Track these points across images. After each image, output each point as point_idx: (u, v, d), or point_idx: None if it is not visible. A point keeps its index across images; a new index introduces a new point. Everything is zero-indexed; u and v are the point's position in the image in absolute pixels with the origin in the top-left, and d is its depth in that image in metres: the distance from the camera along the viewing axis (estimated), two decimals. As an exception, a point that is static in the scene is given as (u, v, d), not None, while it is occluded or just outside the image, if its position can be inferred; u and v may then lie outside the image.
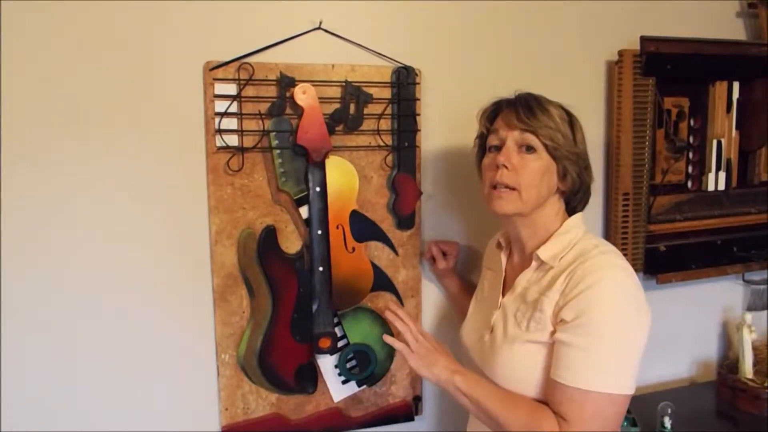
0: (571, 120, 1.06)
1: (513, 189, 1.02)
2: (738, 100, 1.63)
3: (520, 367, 1.00)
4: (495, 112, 1.10)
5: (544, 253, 1.04)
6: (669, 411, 1.43)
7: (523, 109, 1.03)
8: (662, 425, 1.42)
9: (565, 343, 0.94)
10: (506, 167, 1.02)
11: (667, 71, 1.50)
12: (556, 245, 1.04)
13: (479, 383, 1.02)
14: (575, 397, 0.92)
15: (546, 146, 1.02)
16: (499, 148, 1.05)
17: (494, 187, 1.04)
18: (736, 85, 1.63)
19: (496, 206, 1.04)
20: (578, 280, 0.95)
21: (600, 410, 0.92)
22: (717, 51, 1.54)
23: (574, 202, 1.10)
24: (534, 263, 1.05)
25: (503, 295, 1.11)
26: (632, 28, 1.50)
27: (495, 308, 1.10)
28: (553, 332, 0.97)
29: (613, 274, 0.96)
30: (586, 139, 1.08)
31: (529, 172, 1.02)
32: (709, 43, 1.53)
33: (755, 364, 1.64)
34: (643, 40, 1.45)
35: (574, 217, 1.08)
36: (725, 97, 1.62)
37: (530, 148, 1.02)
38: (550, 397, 0.96)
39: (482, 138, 1.12)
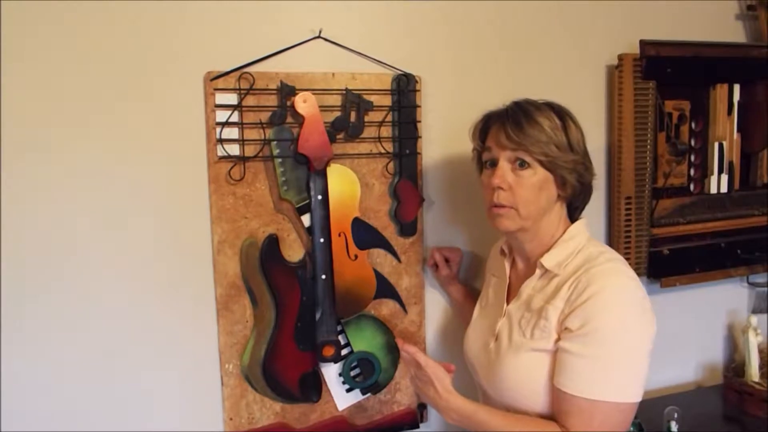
0: (564, 124, 1.02)
1: (512, 207, 1.02)
2: (739, 102, 1.63)
3: (525, 375, 1.00)
4: (485, 128, 1.08)
5: (548, 261, 1.03)
6: (675, 415, 1.42)
7: (512, 125, 1.00)
8: (669, 430, 1.41)
9: (570, 352, 0.93)
10: (502, 188, 1.01)
11: (668, 75, 1.50)
12: (561, 253, 1.03)
13: (480, 406, 1.02)
14: (583, 406, 0.91)
15: (540, 161, 1.00)
16: (495, 163, 1.04)
17: (494, 205, 1.03)
18: (736, 88, 1.63)
19: (497, 224, 1.04)
20: (583, 288, 0.95)
21: (607, 419, 0.92)
22: (717, 53, 1.54)
23: (576, 203, 1.09)
24: (538, 271, 1.05)
25: (508, 302, 1.11)
26: (632, 32, 1.50)
27: (500, 315, 1.10)
28: (558, 340, 0.96)
29: (619, 282, 0.96)
30: (585, 136, 1.05)
31: (526, 189, 1.01)
32: (709, 45, 1.53)
33: (761, 367, 1.63)
34: (643, 43, 1.45)
35: (577, 223, 1.08)
36: (726, 100, 1.62)
37: (524, 163, 1.01)
38: (556, 406, 0.95)
39: (478, 152, 1.12)
